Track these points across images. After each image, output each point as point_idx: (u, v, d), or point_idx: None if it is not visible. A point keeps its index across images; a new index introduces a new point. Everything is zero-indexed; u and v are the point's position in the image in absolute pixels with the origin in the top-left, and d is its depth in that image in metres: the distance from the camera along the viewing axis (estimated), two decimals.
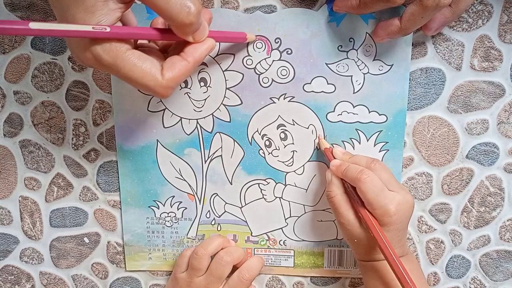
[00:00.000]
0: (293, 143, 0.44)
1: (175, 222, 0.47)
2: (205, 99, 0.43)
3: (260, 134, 0.44)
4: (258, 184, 0.46)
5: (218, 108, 0.44)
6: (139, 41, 0.37)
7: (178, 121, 0.44)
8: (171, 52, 0.36)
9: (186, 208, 0.47)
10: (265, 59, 0.42)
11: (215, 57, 0.42)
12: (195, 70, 0.42)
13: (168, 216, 0.47)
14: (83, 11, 0.29)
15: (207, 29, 0.35)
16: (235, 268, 0.46)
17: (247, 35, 0.40)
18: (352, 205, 0.39)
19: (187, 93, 0.43)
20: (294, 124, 0.44)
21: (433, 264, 0.47)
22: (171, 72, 0.33)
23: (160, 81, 0.32)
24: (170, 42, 0.37)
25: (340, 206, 0.39)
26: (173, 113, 0.44)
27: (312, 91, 0.43)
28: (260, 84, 0.43)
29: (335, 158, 0.41)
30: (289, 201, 0.46)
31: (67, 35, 0.29)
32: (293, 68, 0.42)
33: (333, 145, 0.43)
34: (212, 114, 0.44)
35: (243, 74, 0.43)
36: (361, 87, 0.42)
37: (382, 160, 0.44)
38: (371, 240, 0.38)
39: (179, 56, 0.34)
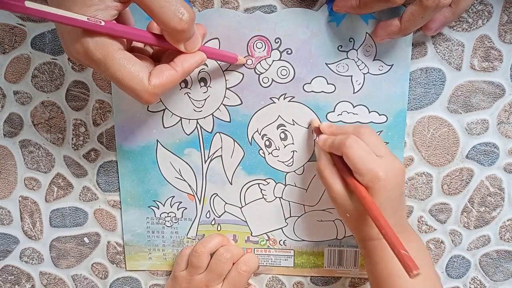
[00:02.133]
0: (293, 143, 0.44)
1: (175, 222, 0.47)
2: (205, 99, 0.43)
3: (260, 134, 0.44)
4: (258, 184, 0.46)
5: (218, 108, 0.44)
6: (134, 45, 0.37)
7: (178, 121, 0.44)
8: (162, 61, 0.36)
9: (186, 208, 0.47)
10: (265, 59, 0.42)
11: None
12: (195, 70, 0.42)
13: (168, 216, 0.47)
14: (79, 4, 0.29)
15: (199, 40, 0.35)
16: None
17: (238, 57, 0.41)
18: (342, 177, 0.38)
19: (187, 93, 0.43)
20: (294, 124, 0.44)
21: (433, 264, 0.47)
22: (158, 79, 0.33)
23: (146, 86, 0.32)
24: (163, 50, 0.37)
25: (328, 178, 0.38)
26: (173, 113, 0.44)
27: (312, 91, 0.43)
28: (260, 84, 0.43)
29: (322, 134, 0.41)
30: (289, 201, 0.46)
31: (61, 21, 0.29)
32: (293, 68, 0.42)
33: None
34: (212, 114, 0.44)
35: (243, 74, 0.43)
36: (361, 87, 0.42)
37: None
38: (363, 213, 0.37)
39: (168, 65, 0.34)
